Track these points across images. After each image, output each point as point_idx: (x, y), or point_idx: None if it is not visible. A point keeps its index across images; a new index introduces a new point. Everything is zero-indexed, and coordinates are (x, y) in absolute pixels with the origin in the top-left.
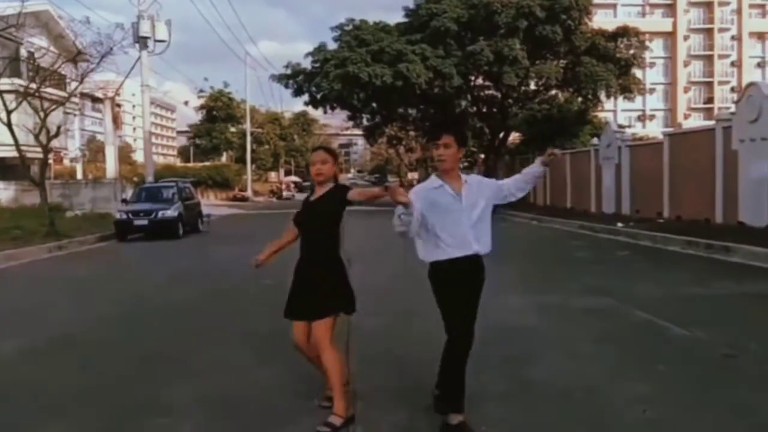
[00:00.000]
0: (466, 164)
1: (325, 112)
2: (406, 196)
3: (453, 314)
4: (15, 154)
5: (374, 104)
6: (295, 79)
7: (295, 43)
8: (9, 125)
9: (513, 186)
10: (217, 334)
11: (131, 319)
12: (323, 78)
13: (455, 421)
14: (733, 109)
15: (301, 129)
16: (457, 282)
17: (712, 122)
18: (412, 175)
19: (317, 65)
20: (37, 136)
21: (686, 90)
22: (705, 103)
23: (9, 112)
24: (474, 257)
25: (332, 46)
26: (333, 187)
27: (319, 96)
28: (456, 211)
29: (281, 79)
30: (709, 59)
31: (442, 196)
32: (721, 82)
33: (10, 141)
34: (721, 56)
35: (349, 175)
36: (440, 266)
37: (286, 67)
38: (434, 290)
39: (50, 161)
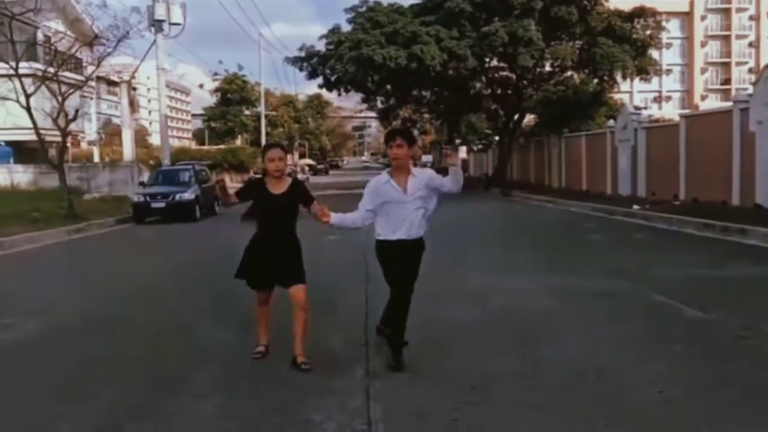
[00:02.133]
0: (480, 146)
1: (339, 95)
2: (327, 216)
3: (396, 280)
4: (34, 137)
5: (388, 86)
6: (309, 62)
7: (309, 24)
8: (28, 109)
9: (445, 182)
10: (232, 313)
11: (152, 300)
12: (337, 60)
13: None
14: (750, 90)
15: (316, 112)
16: (398, 257)
17: (729, 104)
18: (426, 158)
19: (331, 47)
20: (55, 120)
21: (703, 71)
22: (722, 84)
23: (28, 96)
24: (414, 239)
25: (346, 28)
26: (294, 183)
27: (333, 78)
28: (401, 202)
29: (295, 61)
30: (726, 39)
31: (389, 189)
32: (738, 63)
33: (29, 124)
34: (738, 36)
35: (363, 158)
36: (384, 244)
37: (300, 49)
38: (379, 261)
39: (68, 144)
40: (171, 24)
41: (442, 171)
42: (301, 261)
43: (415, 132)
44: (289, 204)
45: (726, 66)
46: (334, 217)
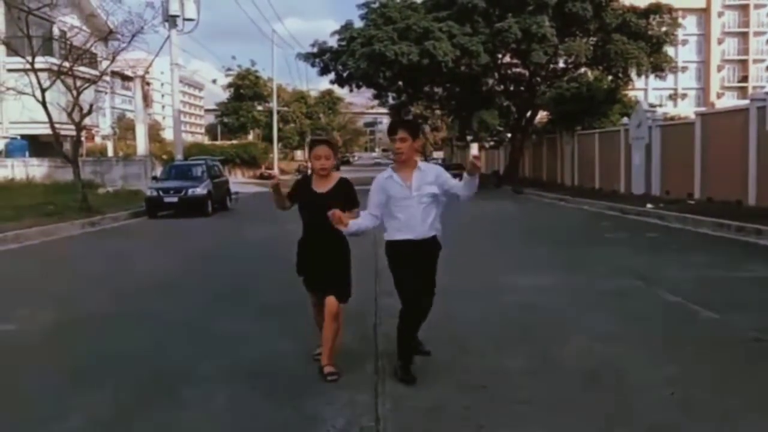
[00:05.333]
0: (492, 143)
1: (351, 91)
2: (342, 222)
3: (405, 286)
4: (49, 131)
5: (400, 83)
6: (322, 58)
7: (321, 20)
8: (43, 103)
9: (457, 187)
10: (245, 307)
11: (164, 293)
12: (349, 56)
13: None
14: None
15: (327, 107)
16: (408, 259)
17: (746, 102)
18: (438, 154)
19: (343, 43)
20: (70, 114)
21: (720, 68)
22: (739, 81)
23: (43, 91)
24: (423, 239)
25: (359, 24)
26: (340, 182)
27: (345, 74)
28: (405, 198)
29: (307, 57)
30: (744, 36)
31: (392, 185)
32: (756, 61)
33: (45, 119)
34: (756, 33)
35: (374, 154)
36: (394, 245)
37: (313, 45)
38: (389, 265)
39: (82, 138)
40: (185, 19)
41: (453, 168)
42: (345, 268)
43: (426, 128)
44: (333, 203)
45: (743, 63)
46: (351, 226)
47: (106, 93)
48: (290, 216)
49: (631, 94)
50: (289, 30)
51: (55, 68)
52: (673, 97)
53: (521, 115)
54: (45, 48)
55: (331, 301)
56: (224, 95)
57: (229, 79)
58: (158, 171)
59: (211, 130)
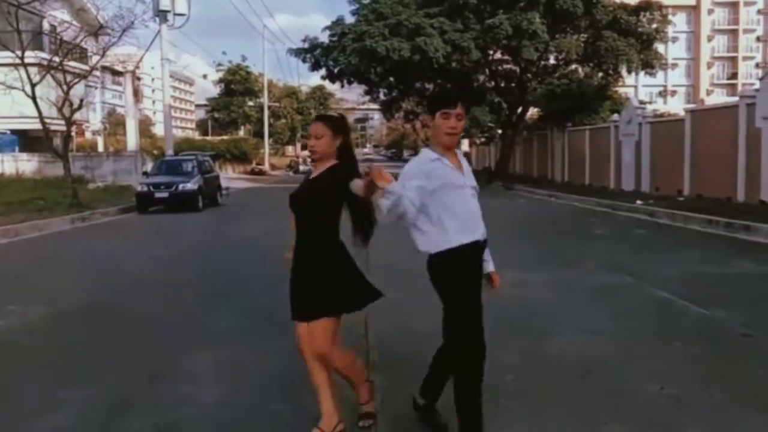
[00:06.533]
0: (483, 140)
1: (342, 87)
2: (383, 177)
3: (466, 314)
4: (38, 126)
5: (391, 79)
6: (313, 53)
7: (312, 15)
8: (33, 98)
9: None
10: (235, 303)
11: (153, 289)
12: (340, 52)
13: None
14: (757, 85)
15: (318, 103)
16: (473, 272)
17: (735, 99)
18: None
19: (335, 39)
20: (60, 109)
21: (709, 65)
22: (729, 79)
23: (33, 85)
24: (483, 242)
25: (350, 19)
26: (335, 167)
27: (336, 70)
28: (460, 186)
29: (299, 53)
30: (733, 34)
31: (443, 170)
32: (745, 58)
33: (34, 113)
34: (746, 31)
35: (366, 150)
36: (459, 253)
37: (304, 41)
38: (444, 284)
39: (73, 134)
40: (175, 14)
41: None
42: (337, 285)
43: (417, 124)
44: (319, 192)
45: (733, 60)
46: (394, 186)
47: (96, 88)
48: (282, 211)
49: (621, 90)
50: (280, 25)
51: (45, 63)
52: (663, 93)
53: (512, 111)
54: (35, 42)
55: (314, 329)
56: (215, 90)
57: (220, 75)
58: (149, 166)
59: (201, 126)
